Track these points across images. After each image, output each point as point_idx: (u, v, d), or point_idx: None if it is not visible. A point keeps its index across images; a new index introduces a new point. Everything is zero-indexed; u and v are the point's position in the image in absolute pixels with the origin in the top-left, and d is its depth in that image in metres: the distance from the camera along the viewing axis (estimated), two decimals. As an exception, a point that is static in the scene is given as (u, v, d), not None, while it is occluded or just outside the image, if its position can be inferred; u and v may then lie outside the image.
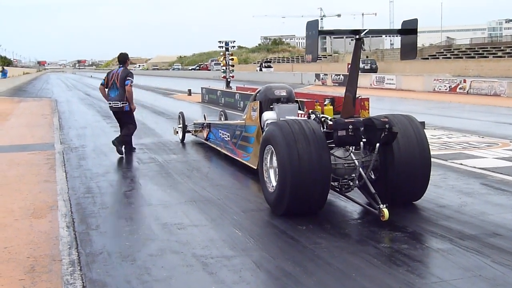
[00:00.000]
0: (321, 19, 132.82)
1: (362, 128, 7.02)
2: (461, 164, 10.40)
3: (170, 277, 5.27)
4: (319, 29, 7.80)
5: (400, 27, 8.33)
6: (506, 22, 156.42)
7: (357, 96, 17.11)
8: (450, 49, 64.64)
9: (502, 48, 56.95)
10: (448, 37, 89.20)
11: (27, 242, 6.35)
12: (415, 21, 8.09)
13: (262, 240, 6.35)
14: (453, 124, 17.28)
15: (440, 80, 34.69)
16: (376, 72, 55.21)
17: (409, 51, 8.23)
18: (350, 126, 6.98)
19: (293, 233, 6.50)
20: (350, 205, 7.69)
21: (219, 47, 31.72)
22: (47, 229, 6.85)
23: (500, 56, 53.68)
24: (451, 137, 14.17)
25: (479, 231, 6.44)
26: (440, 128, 16.04)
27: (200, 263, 5.61)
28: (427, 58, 62.15)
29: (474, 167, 10.06)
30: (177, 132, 14.69)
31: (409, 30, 8.13)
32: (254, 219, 7.28)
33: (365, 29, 8.02)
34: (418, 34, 8.16)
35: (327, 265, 5.50)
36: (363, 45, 8.05)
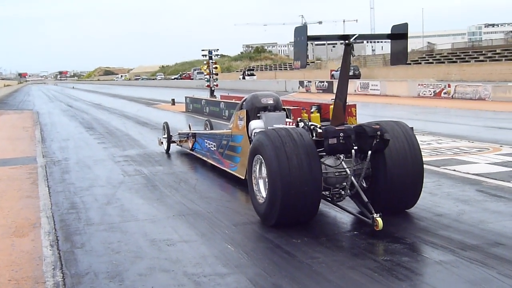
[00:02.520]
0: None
1: (353, 136, 6.85)
2: (454, 170, 10.20)
3: (161, 299, 4.99)
4: (308, 34, 7.54)
5: (389, 32, 8.10)
6: (485, 26, 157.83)
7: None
8: (432, 54, 64.77)
9: (483, 52, 57.14)
10: (429, 43, 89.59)
11: (9, 263, 6.03)
12: (405, 25, 7.85)
13: (256, 255, 6.08)
14: (441, 129, 17.11)
15: (425, 85, 34.65)
16: (359, 78, 55.13)
17: (399, 56, 8.01)
18: (341, 134, 6.82)
19: (288, 247, 6.24)
20: (345, 215, 7.45)
21: (203, 55, 31.36)
22: (30, 249, 6.53)
23: (482, 60, 53.81)
24: (440, 142, 13.99)
25: (481, 240, 6.22)
26: (428, 133, 15.87)
27: (192, 282, 5.33)
28: (409, 64, 62.24)
29: (468, 173, 9.87)
30: (162, 142, 14.41)
31: (399, 34, 7.92)
32: (246, 233, 7.00)
33: (355, 34, 7.78)
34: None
35: (326, 281, 5.24)
36: (353, 50, 7.84)
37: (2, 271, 5.79)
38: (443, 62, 57.95)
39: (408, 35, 7.83)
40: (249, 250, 6.25)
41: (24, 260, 6.15)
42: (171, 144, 14.16)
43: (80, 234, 7.11)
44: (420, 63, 60.84)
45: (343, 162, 7.21)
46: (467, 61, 55.19)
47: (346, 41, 7.68)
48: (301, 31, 7.50)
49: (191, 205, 8.42)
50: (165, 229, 7.21)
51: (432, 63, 59.69)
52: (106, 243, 6.68)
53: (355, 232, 6.79)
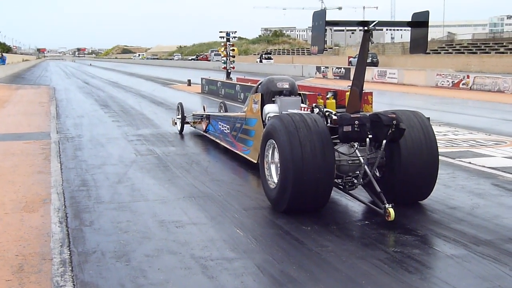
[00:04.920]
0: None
1: (368, 124, 6.74)
2: (470, 163, 10.05)
3: (167, 281, 4.94)
4: (326, 19, 7.39)
5: (410, 19, 7.95)
6: (507, 18, 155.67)
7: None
8: (452, 44, 64.11)
9: (504, 44, 56.41)
10: (449, 32, 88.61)
11: (17, 239, 6.01)
12: (426, 13, 7.70)
13: (265, 241, 6.02)
14: (458, 120, 16.91)
15: (443, 75, 34.29)
16: (377, 66, 54.70)
17: (419, 44, 7.86)
18: (356, 122, 6.70)
19: (298, 234, 6.17)
20: (357, 204, 7.36)
21: (220, 37, 31.25)
22: (39, 225, 6.51)
23: (502, 52, 53.17)
24: (457, 134, 13.82)
25: (494, 236, 6.11)
26: (445, 124, 15.68)
27: (199, 266, 5.28)
28: (429, 53, 61.64)
29: (483, 166, 9.72)
30: (176, 123, 14.37)
31: (419, 22, 7.77)
32: (256, 217, 6.93)
33: (374, 21, 7.63)
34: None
35: (335, 270, 5.17)
36: (372, 37, 7.68)
37: (10, 246, 5.77)
38: (463, 53, 57.35)
39: (429, 24, 7.67)
40: (258, 235, 6.19)
41: (32, 235, 6.13)
42: (184, 125, 14.11)
43: (89, 212, 7.07)
44: (440, 53, 60.30)
45: (357, 151, 7.11)
46: (487, 53, 54.59)
47: (365, 28, 7.55)
48: (319, 16, 7.38)
49: (202, 187, 8.36)
50: (174, 210, 7.16)
51: (451, 53, 59.11)
52: (115, 222, 6.65)
53: (366, 222, 6.69)
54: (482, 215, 6.88)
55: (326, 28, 7.50)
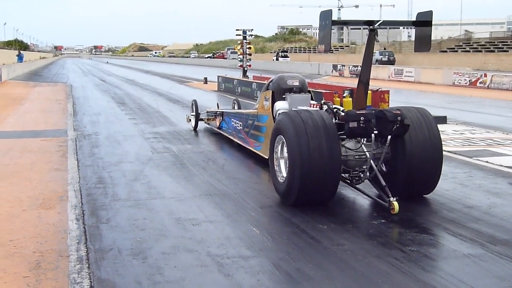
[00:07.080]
0: (339, 9, 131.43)
1: (374, 120, 6.93)
2: (487, 162, 9.97)
3: (184, 278, 4.95)
4: (333, 19, 7.70)
5: (415, 19, 8.15)
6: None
7: (377, 88, 16.84)
8: (469, 43, 63.61)
9: (522, 42, 55.91)
10: (466, 31, 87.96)
11: (34, 235, 6.06)
12: (430, 13, 8.03)
13: (281, 239, 6.02)
14: (475, 119, 16.79)
15: (460, 74, 34.06)
16: (393, 64, 54.48)
17: (423, 43, 8.20)
18: (362, 118, 6.91)
19: (314, 232, 6.16)
20: (373, 203, 7.34)
21: (237, 35, 31.17)
22: (56, 222, 6.55)
23: (521, 51, 52.70)
24: (474, 132, 13.71)
25: (512, 235, 6.07)
26: (462, 123, 15.58)
27: (215, 263, 5.29)
28: (446, 51, 61.29)
29: (501, 166, 9.64)
30: (190, 120, 14.48)
31: (424, 22, 7.98)
32: (272, 216, 6.95)
33: (379, 20, 7.88)
34: (434, 26, 8.02)
35: (351, 269, 5.16)
36: (377, 36, 7.94)
37: (27, 243, 5.82)
38: (480, 51, 56.85)
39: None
40: (274, 233, 6.19)
41: (49, 232, 6.17)
42: (199, 122, 14.19)
43: (106, 209, 7.11)
44: (457, 51, 59.83)
45: (363, 146, 7.33)
46: (505, 51, 54.05)
47: (371, 27, 7.73)
48: (326, 16, 7.66)
49: (218, 185, 8.38)
50: (191, 208, 7.18)
51: (469, 51, 58.61)
52: (132, 219, 6.68)
53: (383, 221, 6.65)
54: (499, 215, 6.84)
55: (332, 27, 7.70)
